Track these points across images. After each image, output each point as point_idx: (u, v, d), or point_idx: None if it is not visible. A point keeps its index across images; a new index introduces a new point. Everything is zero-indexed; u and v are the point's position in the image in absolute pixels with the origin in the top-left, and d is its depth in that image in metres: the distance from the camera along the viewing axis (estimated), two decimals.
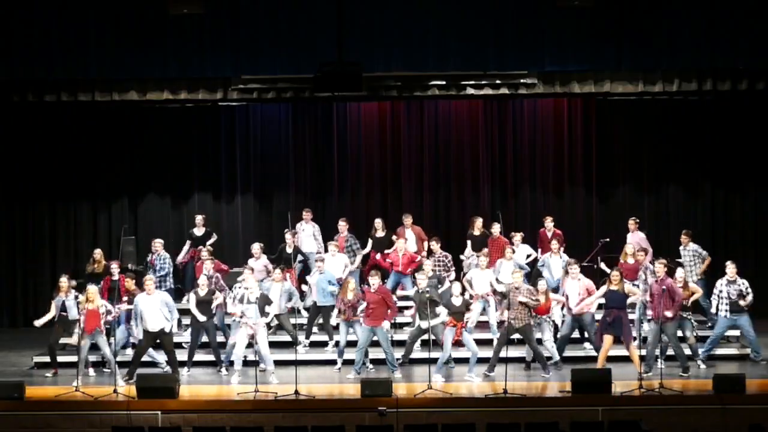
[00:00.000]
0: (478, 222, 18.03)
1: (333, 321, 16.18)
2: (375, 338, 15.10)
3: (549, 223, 18.15)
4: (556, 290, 16.09)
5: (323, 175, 20.05)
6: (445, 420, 12.67)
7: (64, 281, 15.47)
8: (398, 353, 15.37)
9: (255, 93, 17.50)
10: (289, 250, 17.30)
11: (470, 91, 17.52)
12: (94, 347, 15.20)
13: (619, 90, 17.46)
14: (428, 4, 16.29)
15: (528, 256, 17.59)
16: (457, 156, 20.06)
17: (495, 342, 15.32)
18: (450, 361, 15.20)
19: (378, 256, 17.57)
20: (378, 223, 18.01)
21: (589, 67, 17.00)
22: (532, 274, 16.96)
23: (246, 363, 14.83)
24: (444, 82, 17.38)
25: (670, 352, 15.06)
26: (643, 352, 14.66)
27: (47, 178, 19.67)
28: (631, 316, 15.12)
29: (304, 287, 16.89)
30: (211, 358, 15.72)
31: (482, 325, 16.38)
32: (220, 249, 18.31)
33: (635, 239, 17.62)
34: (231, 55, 16.39)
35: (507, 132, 20.01)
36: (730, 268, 15.55)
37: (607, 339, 14.72)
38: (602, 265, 17.16)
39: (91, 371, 15.41)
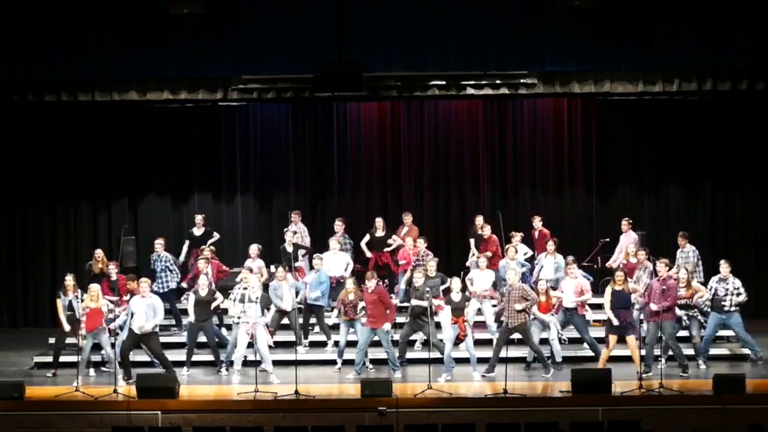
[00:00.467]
0: (479, 220, 18.03)
1: (331, 320, 16.17)
2: (375, 338, 15.11)
3: (537, 222, 18.13)
4: (553, 289, 16.08)
5: (323, 175, 20.04)
6: (445, 420, 12.67)
7: (70, 280, 15.43)
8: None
9: (255, 93, 17.48)
10: (290, 249, 17.31)
11: (470, 91, 17.50)
12: (96, 347, 15.20)
13: (619, 90, 17.45)
14: (428, 4, 16.28)
15: (525, 254, 17.60)
16: (457, 156, 20.06)
17: (494, 342, 15.33)
18: (451, 361, 15.19)
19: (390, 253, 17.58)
20: (378, 222, 18.01)
21: (589, 67, 16.99)
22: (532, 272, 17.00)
23: (246, 363, 14.84)
24: (444, 82, 17.37)
25: (671, 351, 15.07)
26: (643, 352, 14.67)
27: (47, 178, 19.66)
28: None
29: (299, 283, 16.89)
30: (210, 358, 15.72)
31: (481, 326, 16.37)
32: (220, 249, 18.30)
33: (628, 240, 17.61)
34: (231, 55, 16.39)
35: (507, 132, 20.00)
36: (724, 266, 15.56)
37: (612, 339, 14.73)
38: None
39: (92, 371, 15.40)
